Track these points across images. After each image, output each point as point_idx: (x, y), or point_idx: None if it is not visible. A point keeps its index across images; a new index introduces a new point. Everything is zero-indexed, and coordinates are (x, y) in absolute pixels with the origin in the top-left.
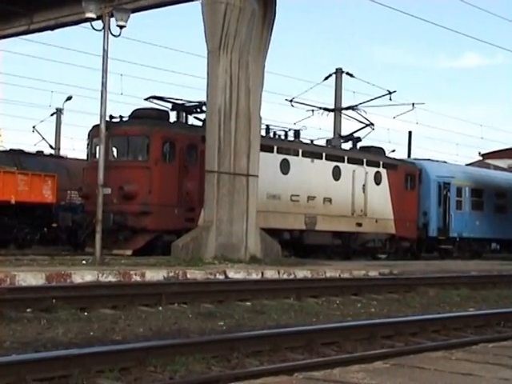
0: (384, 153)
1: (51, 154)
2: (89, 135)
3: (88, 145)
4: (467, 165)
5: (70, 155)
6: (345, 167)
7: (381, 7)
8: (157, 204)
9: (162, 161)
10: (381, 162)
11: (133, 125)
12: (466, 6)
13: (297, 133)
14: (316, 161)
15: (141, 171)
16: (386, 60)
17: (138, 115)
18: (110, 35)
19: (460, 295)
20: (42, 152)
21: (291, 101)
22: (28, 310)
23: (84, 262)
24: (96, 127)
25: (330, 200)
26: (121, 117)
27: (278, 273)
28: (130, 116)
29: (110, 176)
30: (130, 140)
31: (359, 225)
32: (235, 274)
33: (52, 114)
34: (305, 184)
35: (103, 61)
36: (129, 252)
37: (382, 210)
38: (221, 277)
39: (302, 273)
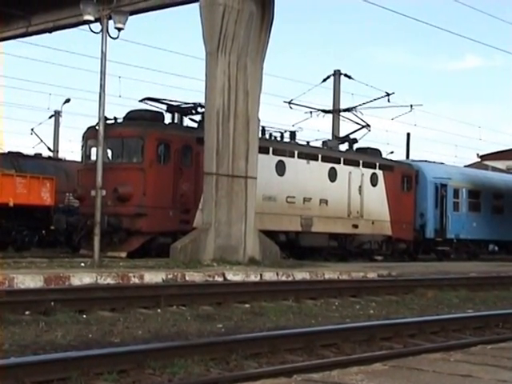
0: (380, 154)
1: (49, 157)
2: (83, 137)
3: (82, 147)
4: (465, 166)
5: (69, 158)
6: (341, 169)
7: (379, 9)
8: (151, 206)
9: (156, 162)
10: (377, 164)
11: (127, 126)
12: (464, 8)
13: (293, 134)
14: (312, 162)
15: (135, 173)
16: (385, 62)
17: (132, 117)
18: (108, 37)
19: (458, 297)
20: (41, 154)
21: (289, 103)
22: (26, 312)
23: (82, 264)
24: (90, 129)
25: (326, 202)
26: (115, 118)
27: (277, 275)
28: (124, 118)
29: (104, 178)
30: (125, 142)
31: (355, 226)
32: (234, 276)
33: (50, 117)
34: (301, 185)
35: (101, 63)
36: (123, 254)
37: (379, 212)
38: (219, 279)
39: (300, 275)
